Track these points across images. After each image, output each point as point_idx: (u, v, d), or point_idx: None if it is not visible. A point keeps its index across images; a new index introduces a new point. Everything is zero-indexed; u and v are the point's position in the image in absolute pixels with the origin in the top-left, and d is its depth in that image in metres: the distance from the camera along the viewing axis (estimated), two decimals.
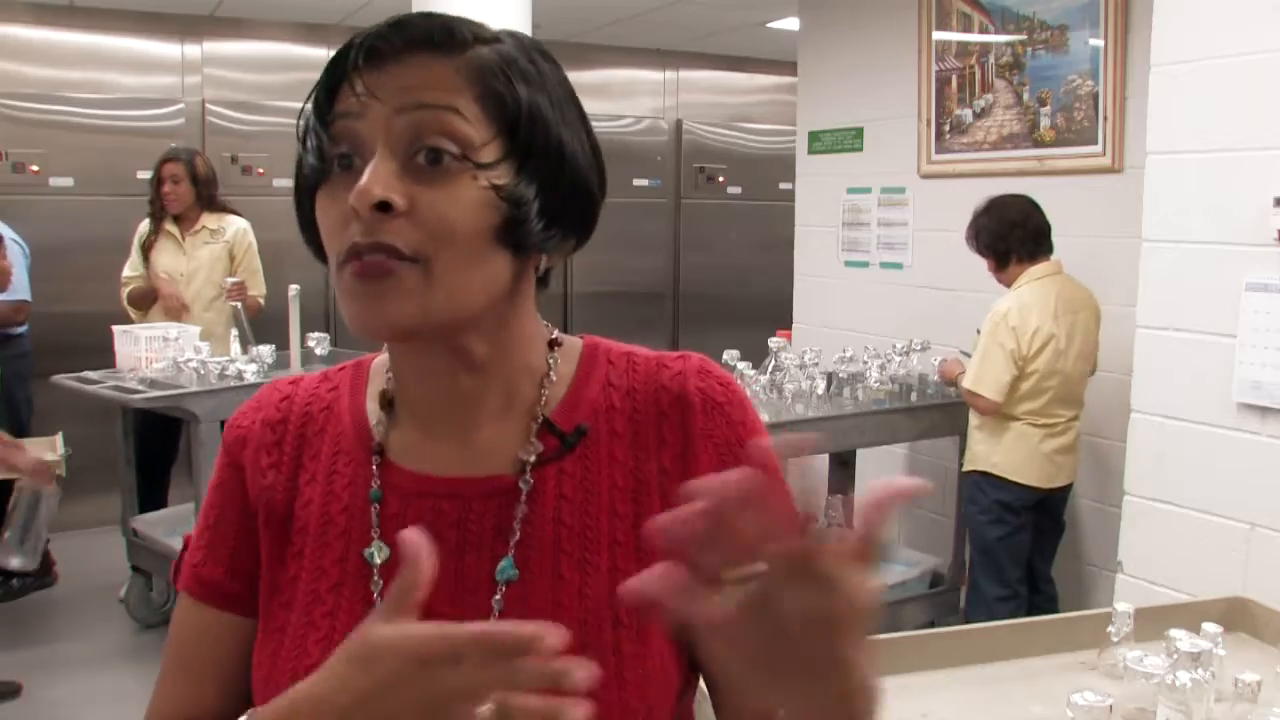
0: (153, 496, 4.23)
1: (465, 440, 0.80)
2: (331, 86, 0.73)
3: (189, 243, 4.27)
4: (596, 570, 0.77)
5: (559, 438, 0.80)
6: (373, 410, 0.83)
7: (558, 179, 0.75)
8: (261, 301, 4.34)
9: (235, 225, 4.32)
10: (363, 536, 0.78)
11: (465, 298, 0.73)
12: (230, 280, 4.19)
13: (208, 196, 4.27)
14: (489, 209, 0.72)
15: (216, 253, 4.27)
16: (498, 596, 0.76)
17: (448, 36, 0.72)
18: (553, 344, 0.84)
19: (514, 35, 0.77)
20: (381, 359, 0.86)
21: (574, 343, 0.86)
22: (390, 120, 0.71)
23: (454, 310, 0.73)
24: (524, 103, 0.73)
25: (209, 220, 4.28)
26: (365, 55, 0.72)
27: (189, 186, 4.20)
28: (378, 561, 0.77)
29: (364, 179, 0.69)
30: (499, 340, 0.78)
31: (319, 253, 0.77)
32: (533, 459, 0.79)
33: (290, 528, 0.80)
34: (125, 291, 4.35)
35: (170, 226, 4.27)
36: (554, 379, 0.82)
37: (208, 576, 0.83)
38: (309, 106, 0.75)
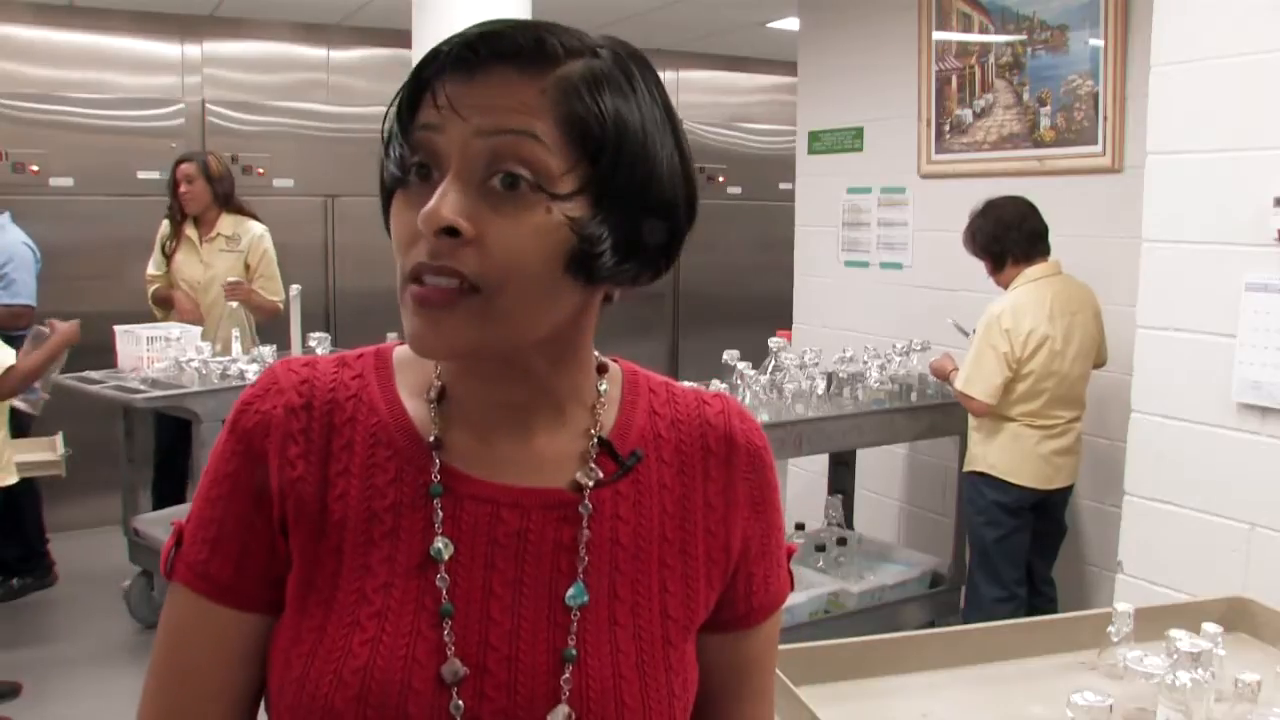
0: (172, 495, 4.26)
1: (518, 449, 0.79)
2: (416, 92, 0.72)
3: (205, 250, 4.30)
4: (649, 591, 0.80)
5: (617, 461, 0.81)
6: (412, 405, 0.80)
7: (639, 211, 0.72)
8: (280, 306, 4.35)
9: (252, 232, 4.33)
10: (414, 535, 0.76)
11: (527, 328, 0.73)
12: (230, 279, 4.21)
13: (224, 195, 4.29)
14: (560, 242, 0.70)
15: (232, 262, 4.29)
16: (574, 626, 0.77)
17: (537, 51, 0.70)
18: (600, 369, 0.85)
19: (613, 46, 0.74)
20: (404, 348, 0.83)
21: (612, 366, 0.87)
22: (468, 141, 0.69)
23: (514, 339, 0.73)
24: (610, 129, 0.70)
25: (225, 225, 4.30)
26: (452, 65, 0.70)
27: (204, 184, 4.23)
28: (445, 558, 0.76)
29: (433, 201, 0.68)
30: (558, 360, 0.78)
31: None
32: (592, 483, 0.79)
33: (325, 521, 0.77)
34: (150, 290, 4.40)
35: (190, 231, 4.31)
36: (603, 404, 0.83)
37: (215, 573, 0.78)
38: (392, 111, 0.73)
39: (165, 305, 4.36)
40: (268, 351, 3.87)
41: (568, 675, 0.75)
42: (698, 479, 0.83)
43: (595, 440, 0.81)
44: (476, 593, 0.76)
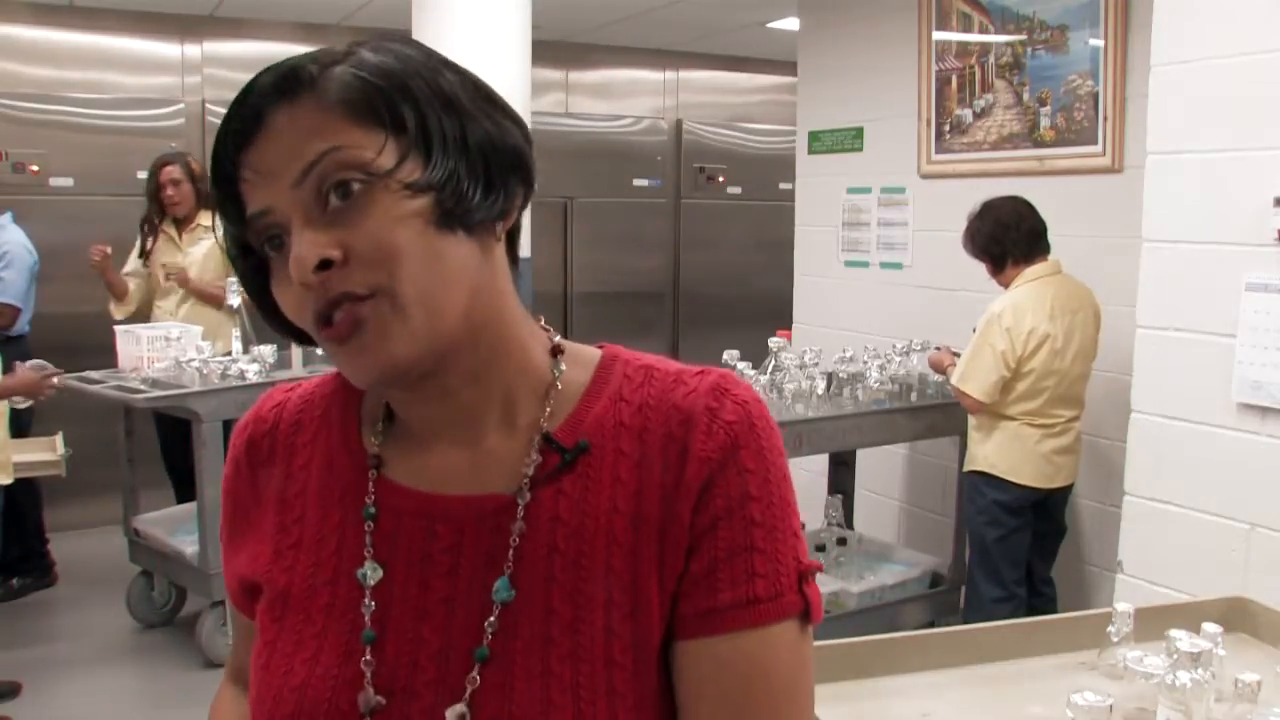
0: (189, 494, 4.26)
1: (465, 455, 0.77)
2: (228, 189, 0.72)
3: (185, 239, 4.33)
4: (591, 603, 0.71)
5: (559, 453, 0.74)
6: (367, 421, 0.81)
7: (467, 142, 0.72)
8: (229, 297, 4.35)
9: None
10: (354, 556, 0.76)
11: (441, 305, 0.70)
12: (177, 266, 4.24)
13: (205, 194, 4.30)
14: (417, 207, 0.69)
15: (209, 247, 4.30)
16: (492, 619, 0.72)
17: (294, 79, 0.70)
18: (556, 351, 0.79)
19: (367, 40, 0.75)
20: None
21: (590, 352, 0.81)
22: (290, 196, 0.69)
23: (436, 324, 0.70)
24: (393, 96, 0.70)
25: (205, 218, 4.32)
26: (236, 140, 0.71)
27: (189, 186, 4.26)
28: (370, 583, 0.75)
29: (294, 252, 0.69)
30: (487, 339, 0.75)
31: (291, 334, 0.76)
32: (530, 472, 0.74)
33: (283, 543, 0.80)
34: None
35: (168, 228, 4.33)
36: (559, 388, 0.77)
37: (231, 584, 0.85)
38: (219, 221, 0.74)
39: (116, 293, 4.37)
40: (267, 351, 3.86)
41: (474, 674, 0.71)
42: (655, 471, 0.73)
43: (542, 434, 0.75)
44: (410, 614, 0.74)
